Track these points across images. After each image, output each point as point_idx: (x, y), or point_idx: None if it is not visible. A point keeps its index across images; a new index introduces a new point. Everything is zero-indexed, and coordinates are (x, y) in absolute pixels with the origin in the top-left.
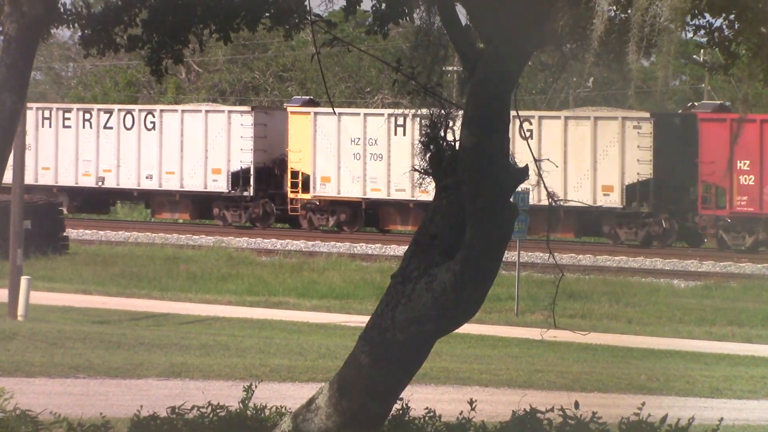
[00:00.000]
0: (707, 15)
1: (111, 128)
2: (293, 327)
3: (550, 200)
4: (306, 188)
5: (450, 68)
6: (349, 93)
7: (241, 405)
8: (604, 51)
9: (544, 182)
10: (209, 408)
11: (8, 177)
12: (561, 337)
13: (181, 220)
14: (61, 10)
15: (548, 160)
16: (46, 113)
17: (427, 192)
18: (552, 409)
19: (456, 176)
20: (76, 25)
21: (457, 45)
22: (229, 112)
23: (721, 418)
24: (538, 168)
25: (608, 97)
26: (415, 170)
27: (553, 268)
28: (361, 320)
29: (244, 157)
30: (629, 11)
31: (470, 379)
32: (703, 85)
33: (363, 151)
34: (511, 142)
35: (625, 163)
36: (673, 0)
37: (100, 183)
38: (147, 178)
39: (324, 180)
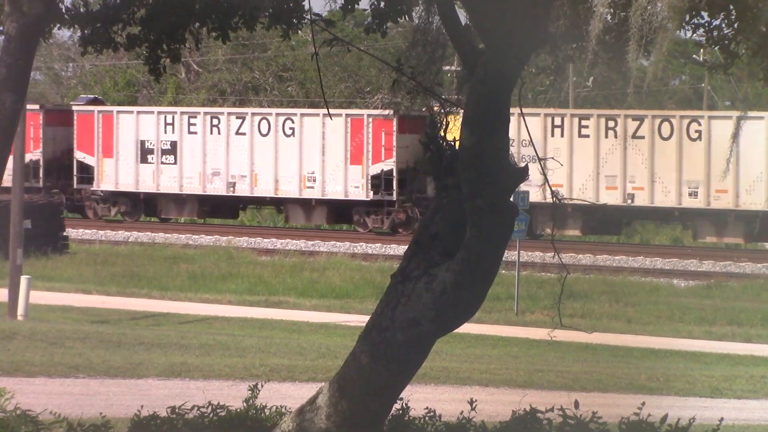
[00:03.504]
0: (706, 14)
1: None
2: (293, 327)
3: (554, 198)
4: None
5: (449, 68)
6: (349, 93)
7: (245, 404)
8: (602, 50)
9: (548, 181)
10: (209, 408)
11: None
12: (561, 337)
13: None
14: (63, 10)
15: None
16: None
17: None
18: (552, 409)
19: (456, 176)
20: (75, 24)
21: (457, 45)
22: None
23: (722, 418)
24: (544, 168)
25: (608, 97)
26: (416, 170)
27: (553, 267)
28: (361, 320)
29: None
30: (628, 11)
31: (470, 378)
32: (703, 85)
33: None
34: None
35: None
36: None
37: None
38: None
39: None
